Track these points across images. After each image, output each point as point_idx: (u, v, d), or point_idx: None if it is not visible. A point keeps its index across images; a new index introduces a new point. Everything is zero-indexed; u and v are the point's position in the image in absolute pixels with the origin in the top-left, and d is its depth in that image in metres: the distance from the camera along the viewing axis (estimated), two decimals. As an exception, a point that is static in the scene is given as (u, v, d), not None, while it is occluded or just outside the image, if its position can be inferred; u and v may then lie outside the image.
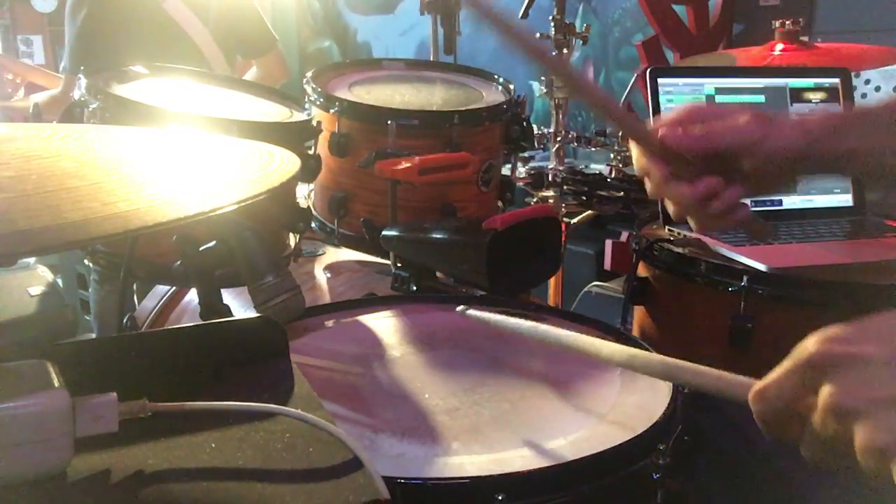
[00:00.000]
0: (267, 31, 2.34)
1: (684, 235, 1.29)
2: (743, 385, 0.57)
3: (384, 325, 1.06)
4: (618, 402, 0.84)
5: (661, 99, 1.37)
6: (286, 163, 0.59)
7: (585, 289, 2.24)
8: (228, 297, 0.97)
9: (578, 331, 1.05)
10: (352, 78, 1.54)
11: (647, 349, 0.96)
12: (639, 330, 1.36)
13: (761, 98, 1.42)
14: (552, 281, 2.07)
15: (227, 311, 0.94)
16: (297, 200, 1.35)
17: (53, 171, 0.54)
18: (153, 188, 0.51)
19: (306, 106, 1.36)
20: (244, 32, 2.26)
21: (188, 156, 0.66)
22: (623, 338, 1.02)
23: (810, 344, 0.53)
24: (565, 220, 1.86)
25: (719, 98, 1.39)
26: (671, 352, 0.96)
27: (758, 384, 0.55)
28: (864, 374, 0.50)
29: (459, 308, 0.86)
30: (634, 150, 0.79)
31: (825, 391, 0.51)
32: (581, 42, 1.90)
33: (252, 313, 0.88)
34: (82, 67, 1.22)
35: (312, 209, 1.47)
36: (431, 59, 2.02)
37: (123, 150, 0.63)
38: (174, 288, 1.45)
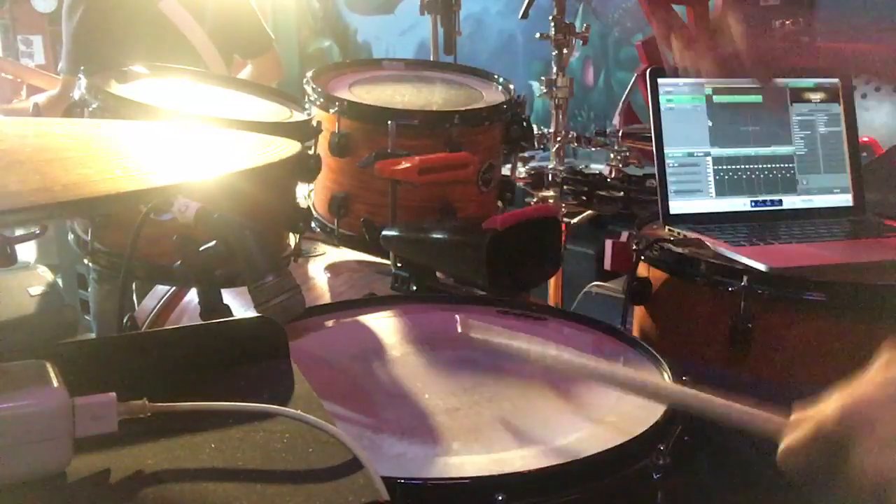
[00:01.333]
0: (264, 31, 2.33)
1: (684, 235, 1.29)
2: (769, 423, 0.57)
3: (384, 325, 1.06)
4: (618, 403, 0.84)
5: (661, 99, 1.37)
6: (284, 146, 0.58)
7: (585, 289, 2.23)
8: (228, 297, 0.97)
9: (577, 331, 1.06)
10: (352, 78, 1.54)
11: (654, 354, 0.96)
12: (639, 330, 1.36)
13: (759, 98, 1.42)
14: (552, 281, 2.06)
15: (227, 311, 0.94)
16: (297, 200, 1.35)
17: (49, 145, 0.53)
18: (151, 161, 0.50)
19: (306, 106, 1.36)
20: (241, 32, 2.26)
21: (187, 139, 0.66)
22: (623, 338, 1.03)
23: (831, 411, 0.52)
24: (565, 220, 1.85)
25: (717, 98, 1.39)
26: (671, 352, 0.96)
27: (783, 444, 0.55)
28: (888, 440, 0.49)
29: (462, 328, 0.85)
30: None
31: (853, 463, 0.50)
32: (581, 42, 1.90)
33: (252, 313, 0.88)
34: (82, 68, 1.22)
35: (312, 209, 1.47)
36: (431, 59, 2.02)
37: (120, 133, 0.63)
38: (174, 288, 1.45)
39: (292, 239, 1.32)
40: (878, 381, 0.52)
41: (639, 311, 1.36)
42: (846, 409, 0.51)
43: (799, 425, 0.55)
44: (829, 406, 0.53)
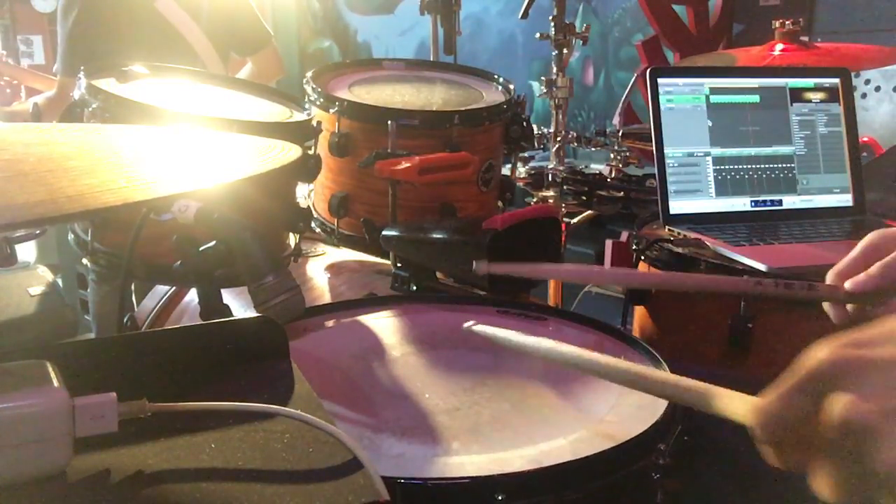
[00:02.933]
0: (261, 28, 2.33)
1: (684, 235, 1.29)
2: (744, 403, 0.49)
3: (384, 325, 1.06)
4: (618, 402, 0.84)
5: (661, 99, 1.37)
6: (285, 150, 0.59)
7: (585, 289, 2.24)
8: (228, 297, 0.97)
9: (577, 330, 1.06)
10: (352, 78, 1.54)
11: (654, 354, 0.96)
12: (639, 330, 1.36)
13: (759, 98, 1.42)
14: (552, 281, 2.07)
15: (227, 311, 0.94)
16: (297, 200, 1.35)
17: (52, 154, 0.54)
18: (152, 169, 0.50)
19: (306, 106, 1.36)
20: (238, 29, 2.25)
21: (188, 144, 0.66)
22: (623, 338, 1.02)
23: (818, 351, 0.44)
24: (565, 220, 1.86)
25: (716, 98, 1.39)
26: (671, 352, 0.96)
27: (759, 402, 0.46)
28: (881, 381, 0.41)
29: (466, 325, 0.85)
30: None
31: (836, 403, 0.41)
32: (581, 42, 1.90)
33: (252, 313, 0.88)
34: (82, 68, 1.22)
35: (312, 209, 1.47)
36: (431, 59, 2.02)
37: (123, 140, 0.63)
38: (174, 288, 1.45)
39: (292, 239, 1.32)
40: (873, 329, 0.44)
41: (639, 311, 1.36)
42: (836, 348, 0.43)
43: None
44: (814, 351, 0.44)
